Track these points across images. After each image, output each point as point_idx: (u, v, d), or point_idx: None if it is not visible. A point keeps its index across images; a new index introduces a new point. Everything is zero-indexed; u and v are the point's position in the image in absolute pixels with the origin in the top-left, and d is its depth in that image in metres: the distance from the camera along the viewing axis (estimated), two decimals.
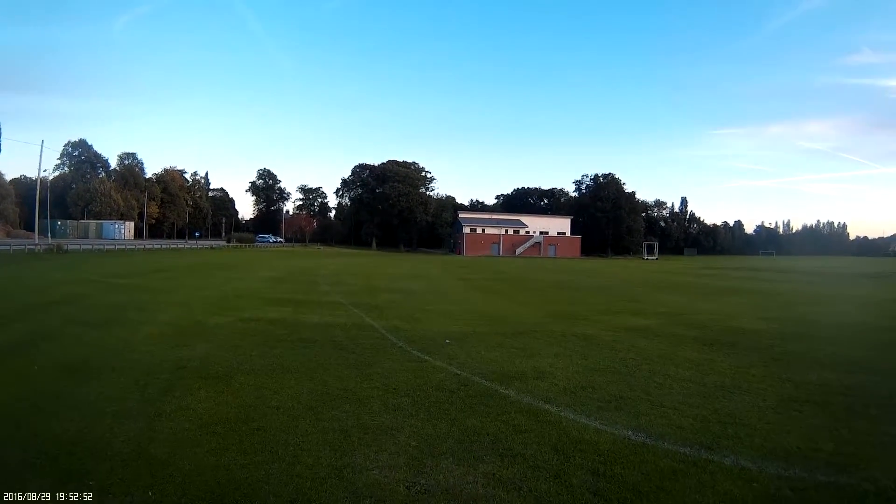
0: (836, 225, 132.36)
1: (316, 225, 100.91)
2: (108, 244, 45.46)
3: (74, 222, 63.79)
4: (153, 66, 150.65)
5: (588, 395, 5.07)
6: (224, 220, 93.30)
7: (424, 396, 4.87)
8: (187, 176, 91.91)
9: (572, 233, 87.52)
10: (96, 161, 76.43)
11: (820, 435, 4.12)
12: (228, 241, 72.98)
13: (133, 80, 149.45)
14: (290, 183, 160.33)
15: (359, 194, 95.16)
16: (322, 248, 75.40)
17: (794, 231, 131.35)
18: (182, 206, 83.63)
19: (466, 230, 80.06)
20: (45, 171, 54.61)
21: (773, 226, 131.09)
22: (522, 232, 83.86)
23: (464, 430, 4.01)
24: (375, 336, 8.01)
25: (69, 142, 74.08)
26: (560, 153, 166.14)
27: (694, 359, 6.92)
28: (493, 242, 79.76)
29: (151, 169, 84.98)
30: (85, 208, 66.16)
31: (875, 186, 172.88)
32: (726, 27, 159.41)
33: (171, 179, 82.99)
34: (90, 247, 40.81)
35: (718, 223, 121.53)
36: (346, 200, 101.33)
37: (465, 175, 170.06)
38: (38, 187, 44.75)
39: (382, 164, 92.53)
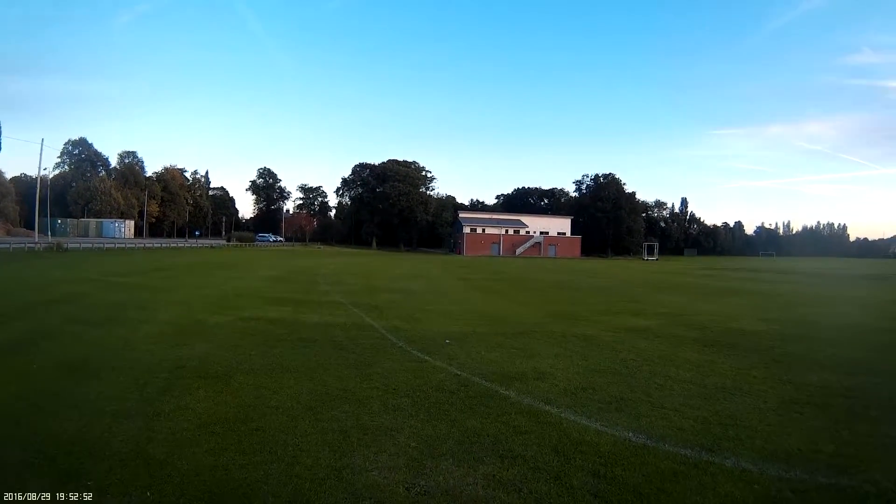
0: (836, 226, 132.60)
1: (316, 224, 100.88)
2: (108, 243, 45.47)
3: (74, 221, 63.75)
4: (153, 65, 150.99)
5: (588, 397, 5.06)
6: (224, 219, 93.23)
7: (424, 397, 4.86)
8: (187, 175, 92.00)
9: (572, 233, 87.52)
10: (96, 159, 76.45)
11: (821, 437, 4.12)
12: (228, 240, 72.96)
13: (133, 79, 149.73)
14: (291, 182, 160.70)
15: (359, 193, 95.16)
16: (322, 247, 75.39)
17: (794, 232, 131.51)
18: (182, 205, 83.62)
19: (466, 230, 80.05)
20: (45, 169, 54.66)
21: (773, 227, 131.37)
22: (522, 232, 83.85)
23: (464, 431, 4.00)
24: (375, 336, 8.00)
25: (69, 140, 74.23)
26: (560, 153, 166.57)
27: (694, 360, 6.91)
28: (494, 242, 79.75)
29: (152, 167, 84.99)
30: (85, 207, 66.12)
31: (875, 187, 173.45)
32: (726, 27, 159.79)
33: (171, 178, 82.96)
34: (90, 245, 40.81)
35: (718, 224, 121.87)
36: (347, 200, 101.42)
37: (465, 175, 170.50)
38: (39, 185, 44.74)
39: (383, 163, 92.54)
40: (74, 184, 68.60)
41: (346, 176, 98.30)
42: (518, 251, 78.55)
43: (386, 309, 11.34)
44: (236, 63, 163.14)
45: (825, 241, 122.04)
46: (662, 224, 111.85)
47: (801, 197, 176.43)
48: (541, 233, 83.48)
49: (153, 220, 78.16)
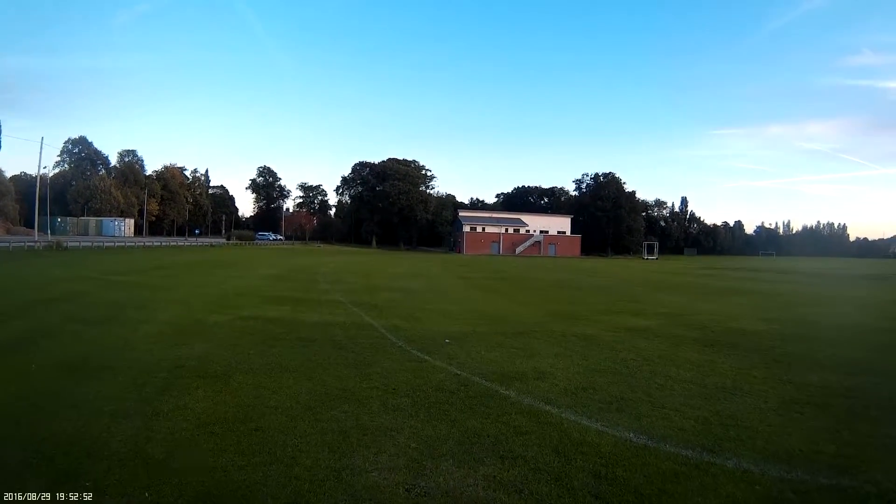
0: (836, 226, 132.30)
1: (316, 223, 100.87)
2: (107, 241, 45.40)
3: (74, 219, 63.71)
4: (153, 65, 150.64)
5: (589, 397, 5.04)
6: (224, 218, 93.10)
7: (424, 397, 4.84)
8: (187, 173, 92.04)
9: (572, 232, 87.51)
10: (96, 158, 76.39)
11: (821, 437, 4.11)
12: (228, 239, 72.87)
13: (133, 78, 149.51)
14: (291, 181, 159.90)
15: (359, 192, 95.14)
16: (322, 246, 75.38)
17: (794, 232, 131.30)
18: (182, 204, 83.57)
19: (466, 229, 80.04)
20: (45, 168, 54.18)
21: (773, 226, 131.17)
22: (522, 231, 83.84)
23: (464, 432, 3.98)
24: (375, 335, 7.98)
25: (69, 139, 74.21)
26: (560, 152, 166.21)
27: (695, 360, 6.90)
28: (493, 241, 79.74)
29: (152, 166, 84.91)
30: (85, 205, 66.07)
31: (875, 188, 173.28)
32: (726, 27, 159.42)
33: (171, 177, 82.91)
34: (90, 244, 40.73)
35: (718, 223, 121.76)
36: (347, 198, 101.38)
37: (465, 174, 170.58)
38: (38, 184, 44.73)
39: (383, 162, 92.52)
40: (74, 182, 68.54)
41: (346, 174, 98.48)
42: (518, 250, 78.54)
43: (385, 308, 11.32)
44: (236, 63, 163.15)
45: (825, 241, 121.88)
46: (662, 223, 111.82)
47: (801, 197, 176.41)
48: (541, 232, 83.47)
49: (153, 218, 78.11)
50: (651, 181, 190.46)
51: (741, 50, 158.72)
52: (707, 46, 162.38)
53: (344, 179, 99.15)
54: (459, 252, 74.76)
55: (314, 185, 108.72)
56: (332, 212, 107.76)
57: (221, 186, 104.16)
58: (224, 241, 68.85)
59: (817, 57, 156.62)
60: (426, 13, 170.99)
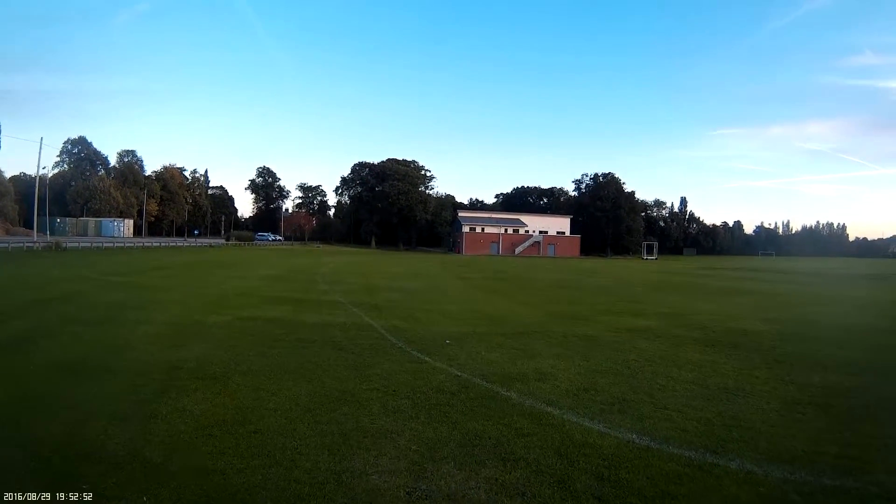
0: (835, 226, 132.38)
1: (315, 223, 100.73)
2: (107, 242, 45.37)
3: (73, 220, 63.59)
4: (153, 65, 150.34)
5: (591, 398, 5.02)
6: (223, 218, 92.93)
7: (424, 399, 4.81)
8: (187, 174, 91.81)
9: (572, 232, 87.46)
10: (96, 158, 76.24)
11: (824, 438, 4.09)
12: (228, 240, 72.89)
13: (133, 78, 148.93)
14: (290, 181, 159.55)
15: (358, 192, 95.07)
16: (321, 246, 75.32)
17: (793, 232, 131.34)
18: (181, 204, 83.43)
19: (466, 229, 79.99)
20: (44, 168, 54.42)
21: (772, 226, 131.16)
22: (522, 231, 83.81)
23: (465, 434, 3.95)
24: (374, 336, 7.95)
25: (69, 139, 73.96)
26: (560, 153, 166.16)
27: (696, 360, 6.88)
28: (493, 241, 79.70)
29: (151, 166, 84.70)
30: (84, 206, 65.95)
31: (875, 188, 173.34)
32: (726, 27, 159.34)
33: (170, 177, 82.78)
34: (89, 244, 40.71)
35: (718, 223, 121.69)
36: (346, 199, 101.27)
37: (464, 174, 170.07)
38: (38, 184, 44.64)
39: (382, 162, 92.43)
40: (73, 183, 68.41)
41: (346, 175, 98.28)
42: (517, 250, 78.49)
43: (385, 308, 11.29)
44: (236, 63, 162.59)
45: (824, 241, 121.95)
46: (662, 223, 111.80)
47: (801, 197, 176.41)
48: (540, 232, 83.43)
49: (152, 219, 78.00)
50: (650, 181, 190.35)
51: (741, 50, 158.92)
52: (707, 47, 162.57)
53: (343, 180, 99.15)
54: (459, 252, 74.72)
55: (313, 185, 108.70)
56: (332, 212, 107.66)
57: (221, 187, 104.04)
58: (223, 241, 68.84)
59: (818, 57, 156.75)
60: (426, 13, 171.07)
